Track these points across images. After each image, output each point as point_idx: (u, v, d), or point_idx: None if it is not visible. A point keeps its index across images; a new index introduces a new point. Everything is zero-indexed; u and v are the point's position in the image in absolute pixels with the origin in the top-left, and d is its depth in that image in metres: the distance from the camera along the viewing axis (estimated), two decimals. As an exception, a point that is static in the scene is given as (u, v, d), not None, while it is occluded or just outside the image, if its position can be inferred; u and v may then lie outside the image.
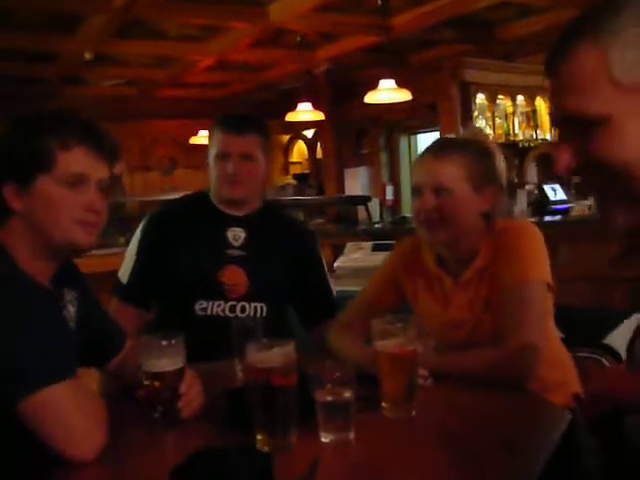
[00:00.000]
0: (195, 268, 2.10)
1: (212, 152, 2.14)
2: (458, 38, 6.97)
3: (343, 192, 9.03)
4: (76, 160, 1.34)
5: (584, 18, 0.85)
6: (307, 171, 10.60)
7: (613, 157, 0.82)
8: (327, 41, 7.06)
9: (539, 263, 1.63)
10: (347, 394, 1.22)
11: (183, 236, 2.14)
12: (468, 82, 6.97)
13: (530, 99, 7.48)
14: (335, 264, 5.16)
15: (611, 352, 2.20)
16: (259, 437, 1.20)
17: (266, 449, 1.19)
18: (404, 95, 5.89)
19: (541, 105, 7.54)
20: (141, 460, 1.22)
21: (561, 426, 1.30)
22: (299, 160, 10.94)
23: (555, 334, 1.79)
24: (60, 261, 1.41)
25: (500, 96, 7.33)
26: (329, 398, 1.21)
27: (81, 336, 1.47)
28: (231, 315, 2.07)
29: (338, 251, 5.75)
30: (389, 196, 8.47)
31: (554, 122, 0.91)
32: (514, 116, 7.44)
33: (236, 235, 2.15)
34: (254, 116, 2.30)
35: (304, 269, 2.24)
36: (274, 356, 1.20)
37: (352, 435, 1.22)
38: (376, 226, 6.45)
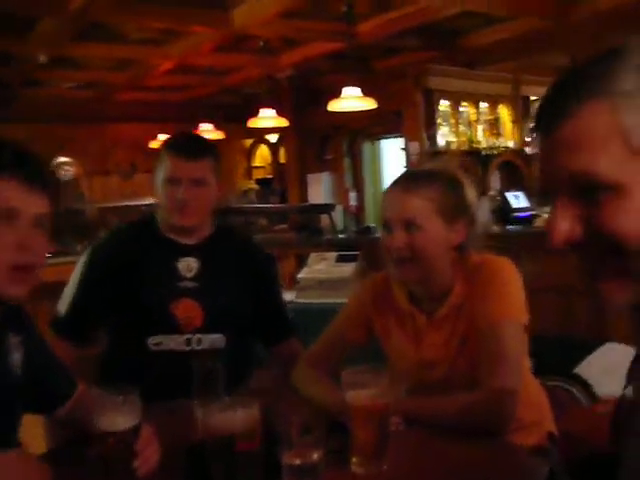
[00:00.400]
0: (145, 303, 1.99)
1: (160, 176, 2.02)
2: (422, 45, 6.95)
3: (306, 197, 8.97)
4: (4, 193, 1.22)
5: (590, 73, 0.77)
6: (270, 176, 10.51)
7: (622, 228, 0.74)
8: (291, 46, 6.97)
9: (515, 303, 1.57)
10: (315, 456, 1.13)
11: (130, 269, 2.02)
12: (432, 89, 6.96)
13: (493, 107, 7.51)
14: (298, 275, 5.08)
15: (581, 382, 2.16)
16: (221, 504, 1.12)
17: (228, 517, 1.10)
18: (368, 103, 5.83)
19: (504, 113, 7.59)
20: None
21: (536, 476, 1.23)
22: (262, 164, 10.83)
23: (529, 373, 1.73)
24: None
25: (464, 103, 7.34)
26: (297, 462, 1.13)
27: (27, 382, 1.37)
28: (187, 349, 1.98)
29: (301, 261, 5.68)
30: (352, 202, 8.42)
31: (548, 186, 0.81)
32: (477, 123, 7.47)
33: (188, 266, 2.04)
34: (204, 139, 2.22)
35: (261, 293, 2.16)
36: (237, 420, 1.11)
37: (320, 498, 1.14)
38: (340, 236, 6.39)
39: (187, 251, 2.06)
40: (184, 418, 1.48)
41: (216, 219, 2.16)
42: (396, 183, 1.68)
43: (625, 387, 0.92)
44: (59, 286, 2.08)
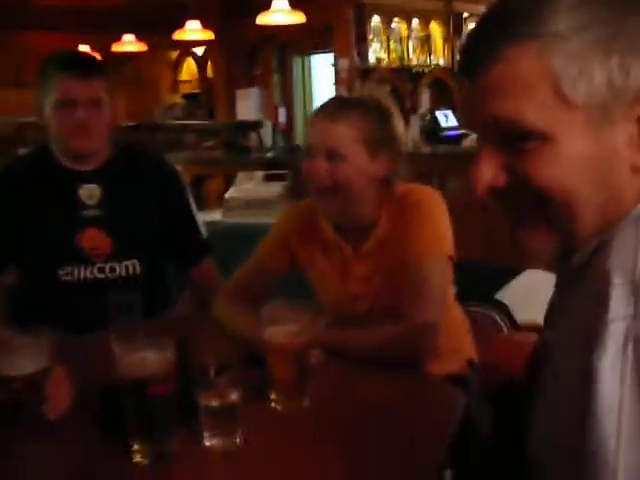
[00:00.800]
0: (50, 236, 1.92)
1: (50, 99, 1.89)
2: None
3: (234, 113, 8.76)
4: None
5: (518, 12, 0.72)
6: (197, 90, 10.19)
7: (547, 177, 0.72)
8: (217, -47, 6.64)
9: (440, 235, 1.56)
10: (234, 396, 1.11)
11: (30, 203, 1.93)
12: (364, 3, 6.80)
13: (425, 23, 7.40)
14: (226, 195, 5.01)
15: (502, 308, 2.21)
16: (136, 447, 1.09)
17: (145, 461, 1.08)
18: (298, 17, 5.66)
19: (435, 30, 7.49)
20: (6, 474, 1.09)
21: (458, 414, 1.25)
22: (189, 79, 10.46)
23: (452, 301, 1.75)
24: None
25: (395, 19, 7.21)
26: (214, 403, 1.10)
27: None
28: (100, 276, 1.93)
29: (229, 180, 5.59)
30: (281, 119, 8.27)
31: (473, 128, 0.78)
32: (409, 40, 7.36)
33: (90, 193, 1.96)
34: (94, 57, 2.13)
35: (170, 211, 2.09)
36: (150, 363, 1.07)
37: (238, 439, 1.12)
38: (268, 155, 6.28)
39: (87, 178, 1.97)
40: (100, 353, 1.43)
41: (113, 140, 2.05)
42: (322, 109, 1.62)
43: (544, 330, 0.92)
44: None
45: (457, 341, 1.73)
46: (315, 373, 1.31)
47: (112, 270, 1.94)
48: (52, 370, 1.19)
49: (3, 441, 1.16)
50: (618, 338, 0.63)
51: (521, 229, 0.77)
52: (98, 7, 8.72)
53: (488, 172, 0.75)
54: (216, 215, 4.70)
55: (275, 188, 4.98)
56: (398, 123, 1.61)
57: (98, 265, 1.93)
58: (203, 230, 2.18)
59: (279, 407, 1.26)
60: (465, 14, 7.67)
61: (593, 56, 0.69)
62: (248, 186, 5.16)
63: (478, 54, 0.73)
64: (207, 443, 1.12)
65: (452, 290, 1.72)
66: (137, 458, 1.08)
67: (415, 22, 7.38)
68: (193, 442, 1.12)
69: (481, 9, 7.47)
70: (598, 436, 0.63)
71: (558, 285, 0.87)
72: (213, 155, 6.82)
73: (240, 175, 5.31)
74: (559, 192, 0.72)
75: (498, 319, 2.15)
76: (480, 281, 2.34)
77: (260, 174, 5.19)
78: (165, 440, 1.09)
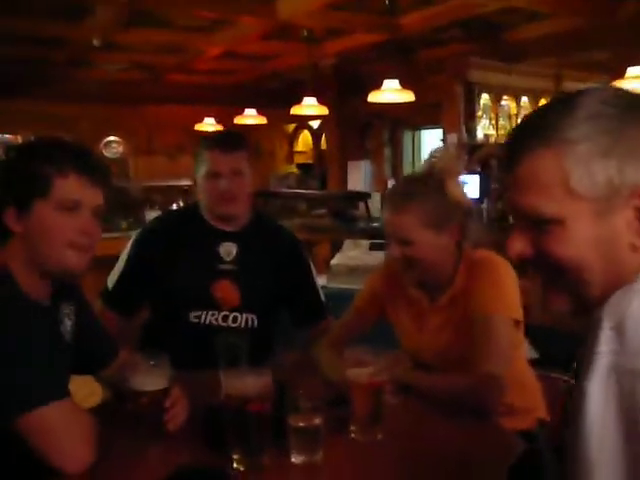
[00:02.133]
0: (189, 283, 2.21)
1: (202, 171, 2.23)
2: (464, 38, 7.02)
3: (346, 184, 9.12)
4: (71, 187, 1.43)
5: (543, 121, 0.94)
6: (311, 161, 10.68)
7: (562, 253, 0.92)
8: (334, 36, 7.10)
9: (507, 299, 1.74)
10: (317, 420, 1.33)
11: (176, 252, 2.24)
12: (472, 82, 7.03)
13: (534, 101, 7.54)
14: (332, 261, 5.26)
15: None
16: (235, 456, 1.32)
17: (241, 468, 1.30)
18: (407, 96, 5.95)
19: (545, 107, 7.58)
20: (126, 472, 1.34)
21: (513, 453, 1.40)
22: (304, 150, 11.01)
23: (524, 364, 1.90)
24: (58, 280, 1.51)
25: (505, 97, 7.39)
26: (300, 423, 1.32)
27: (76, 347, 1.58)
28: (224, 324, 2.20)
29: (336, 247, 5.85)
30: (390, 190, 8.52)
31: (510, 210, 1.00)
32: (517, 117, 7.51)
33: (228, 250, 2.25)
34: (238, 133, 2.44)
35: (293, 278, 2.36)
36: (250, 384, 1.30)
37: (320, 457, 1.33)
38: (374, 224, 6.53)
39: (227, 237, 2.27)
40: (209, 384, 1.68)
41: (253, 207, 2.36)
42: (389, 198, 1.86)
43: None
44: (104, 260, 2.28)
45: (529, 401, 1.87)
46: (390, 409, 1.51)
47: (234, 319, 2.22)
48: (171, 389, 1.45)
49: (128, 442, 1.41)
50: (604, 367, 0.82)
51: (546, 291, 0.98)
52: (223, 83, 9.43)
53: (519, 245, 0.97)
54: (322, 280, 4.94)
55: (378, 256, 5.17)
56: (457, 191, 1.81)
57: (224, 313, 2.21)
58: (322, 294, 2.44)
59: (357, 437, 1.46)
60: (575, 92, 7.77)
61: (596, 160, 0.89)
62: (353, 254, 5.37)
63: (512, 155, 0.96)
64: (293, 459, 1.34)
65: (523, 352, 1.88)
66: (235, 465, 1.31)
67: (524, 100, 7.54)
68: (282, 457, 1.34)
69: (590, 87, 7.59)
70: (583, 443, 0.81)
71: (583, 338, 1.05)
72: (322, 223, 7.14)
73: (346, 243, 5.55)
74: (571, 265, 0.92)
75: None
76: (562, 347, 2.44)
77: (365, 243, 5.41)
78: (259, 452, 1.32)
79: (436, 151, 1.95)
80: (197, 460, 1.34)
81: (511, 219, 1.00)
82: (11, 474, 1.31)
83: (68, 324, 1.57)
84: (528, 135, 0.95)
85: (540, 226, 0.93)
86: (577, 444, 0.82)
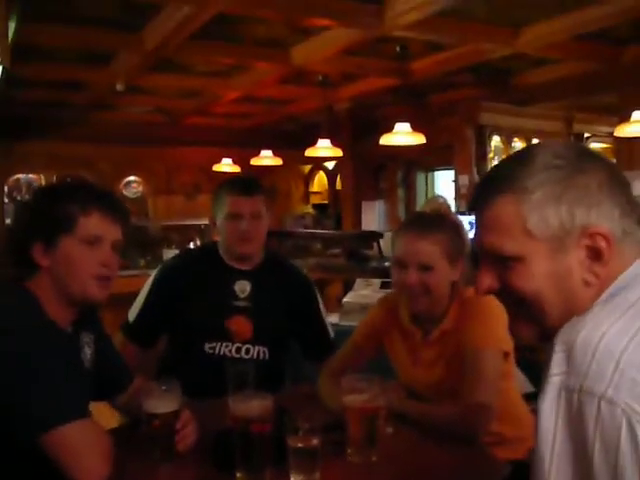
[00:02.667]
0: (205, 318, 2.36)
1: (222, 213, 2.38)
2: (475, 82, 7.20)
3: (360, 224, 9.27)
4: (94, 224, 1.58)
5: (504, 172, 1.08)
6: (326, 201, 10.85)
7: (523, 287, 1.05)
8: (348, 81, 7.32)
9: (496, 333, 1.84)
10: (315, 441, 1.44)
11: (194, 288, 2.39)
12: (483, 125, 7.17)
13: (545, 143, 7.63)
14: (344, 299, 5.37)
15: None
16: (238, 474, 1.43)
17: (244, 485, 1.42)
18: (418, 139, 6.12)
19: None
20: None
21: (498, 477, 1.51)
22: (319, 190, 11.19)
23: (516, 395, 2.01)
24: (81, 309, 1.65)
25: (515, 139, 7.52)
26: (299, 444, 1.43)
27: (95, 375, 1.71)
28: (237, 356, 2.34)
29: (348, 286, 5.96)
30: (404, 230, 8.63)
31: (477, 248, 1.13)
32: (529, 159, 7.60)
33: (242, 288, 2.40)
34: (256, 178, 2.59)
35: (303, 315, 2.50)
36: (253, 407, 1.43)
37: (318, 477, 1.44)
38: (385, 264, 6.64)
39: (242, 275, 2.42)
40: (218, 410, 1.80)
41: (266, 247, 2.51)
42: (409, 226, 1.97)
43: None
44: (122, 297, 2.43)
45: (519, 430, 1.96)
46: (384, 433, 1.62)
47: (247, 351, 2.36)
48: (182, 412, 1.57)
49: (141, 462, 1.53)
50: (555, 387, 0.93)
51: (513, 320, 1.11)
52: (241, 126, 9.67)
53: (487, 280, 1.10)
54: (333, 318, 5.05)
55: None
56: (465, 232, 1.94)
57: (237, 345, 2.36)
58: (330, 331, 2.58)
59: (353, 459, 1.57)
60: (586, 134, 7.89)
61: (549, 205, 1.02)
62: (365, 292, 5.47)
63: (479, 200, 1.10)
64: (293, 479, 1.44)
65: (514, 384, 1.98)
66: (239, 482, 1.42)
67: (535, 142, 7.66)
68: (282, 477, 1.45)
69: (602, 129, 7.67)
70: (538, 456, 0.92)
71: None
72: (336, 262, 7.26)
73: (358, 281, 5.66)
74: (532, 297, 1.05)
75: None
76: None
77: (377, 281, 5.51)
78: (261, 471, 1.43)
79: (430, 201, 2.08)
80: (204, 479, 1.45)
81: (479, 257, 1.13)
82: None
83: (88, 352, 1.71)
84: (492, 184, 1.09)
85: (504, 263, 1.06)
86: (533, 460, 0.93)
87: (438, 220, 1.95)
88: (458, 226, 1.94)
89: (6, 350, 1.41)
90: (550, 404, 0.92)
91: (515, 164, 1.07)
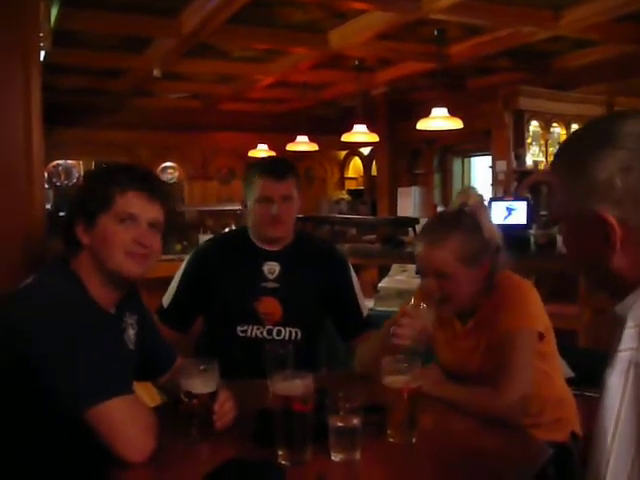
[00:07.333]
0: (235, 299, 2.37)
1: (253, 196, 2.38)
2: (513, 67, 7.11)
3: (395, 210, 9.24)
4: (129, 202, 1.61)
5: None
6: (362, 187, 10.84)
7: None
8: (385, 65, 7.28)
9: (529, 313, 1.83)
10: (355, 421, 1.44)
11: (225, 271, 2.41)
12: (522, 110, 7.07)
13: (585, 128, 7.51)
14: (379, 285, 5.36)
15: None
16: (280, 452, 1.44)
17: (285, 463, 1.43)
18: (455, 123, 6.07)
19: (595, 134, 7.56)
20: (179, 465, 1.47)
21: (540, 459, 1.50)
22: (354, 176, 11.19)
23: (557, 374, 1.98)
24: (122, 289, 1.67)
25: (554, 124, 7.41)
26: (340, 423, 1.44)
27: (138, 355, 1.74)
28: (268, 337, 2.34)
29: (383, 271, 5.95)
30: (440, 216, 8.59)
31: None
32: (568, 144, 7.50)
33: (271, 269, 2.40)
34: (287, 161, 2.58)
35: (336, 294, 2.48)
36: (295, 386, 1.43)
37: (358, 455, 1.44)
38: (421, 249, 6.61)
39: (271, 257, 2.42)
40: (256, 390, 1.82)
41: (296, 229, 2.51)
42: (423, 235, 1.95)
43: None
44: (158, 281, 2.45)
45: (560, 413, 1.94)
46: (425, 415, 1.62)
47: (278, 333, 2.37)
48: (219, 392, 1.59)
49: (180, 439, 1.55)
50: (624, 363, 0.92)
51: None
52: (276, 111, 9.68)
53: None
54: (369, 303, 5.05)
55: (425, 280, 5.25)
56: (488, 226, 1.91)
57: (268, 327, 2.36)
58: (364, 309, 2.55)
59: (394, 440, 1.57)
60: (627, 119, 7.74)
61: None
62: (400, 278, 5.46)
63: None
64: (333, 457, 1.45)
65: (554, 362, 1.96)
66: (281, 460, 1.43)
67: (574, 127, 7.53)
68: (323, 454, 1.46)
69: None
70: (600, 431, 0.91)
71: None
72: (371, 248, 7.25)
73: (394, 267, 5.65)
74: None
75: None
76: (598, 366, 2.50)
77: (412, 267, 5.50)
78: (302, 449, 1.44)
79: (460, 193, 2.05)
80: (245, 455, 1.46)
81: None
82: (75, 462, 1.45)
83: (131, 333, 1.73)
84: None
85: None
86: (596, 433, 0.92)
87: (454, 223, 1.90)
88: (476, 223, 1.90)
89: (52, 328, 1.44)
90: (618, 379, 0.92)
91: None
